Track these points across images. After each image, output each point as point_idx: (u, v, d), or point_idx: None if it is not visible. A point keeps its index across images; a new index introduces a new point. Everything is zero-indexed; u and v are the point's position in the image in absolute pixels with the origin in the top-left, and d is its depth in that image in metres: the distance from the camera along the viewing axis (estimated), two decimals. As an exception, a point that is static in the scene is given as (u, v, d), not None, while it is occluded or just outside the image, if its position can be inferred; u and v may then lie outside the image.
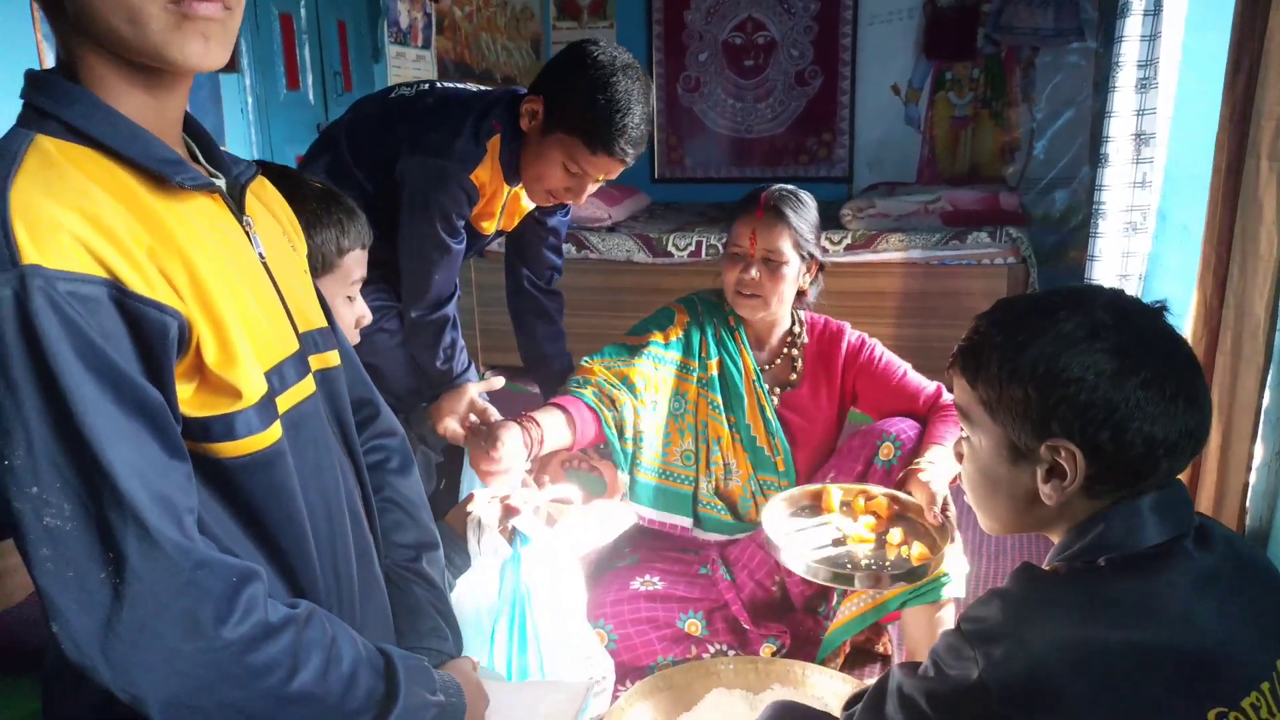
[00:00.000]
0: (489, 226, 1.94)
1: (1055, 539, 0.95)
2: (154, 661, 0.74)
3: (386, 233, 1.75)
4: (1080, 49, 4.41)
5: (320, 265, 1.27)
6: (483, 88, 1.93)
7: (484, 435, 1.58)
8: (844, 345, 1.92)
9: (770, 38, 4.91)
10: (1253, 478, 1.74)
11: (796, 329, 1.95)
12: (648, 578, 1.87)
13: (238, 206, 0.92)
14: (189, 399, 0.80)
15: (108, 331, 0.72)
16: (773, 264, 1.80)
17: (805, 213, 1.83)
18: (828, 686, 1.65)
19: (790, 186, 1.87)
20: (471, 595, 1.39)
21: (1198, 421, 0.87)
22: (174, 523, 0.75)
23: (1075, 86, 4.47)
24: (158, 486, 0.74)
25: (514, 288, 2.21)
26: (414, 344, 1.90)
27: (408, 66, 3.84)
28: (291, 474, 0.88)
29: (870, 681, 1.07)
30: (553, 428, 1.68)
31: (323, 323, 1.04)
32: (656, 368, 1.89)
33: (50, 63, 1.48)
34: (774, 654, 1.80)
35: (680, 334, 1.92)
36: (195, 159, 0.91)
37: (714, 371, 1.91)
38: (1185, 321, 1.91)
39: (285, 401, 0.90)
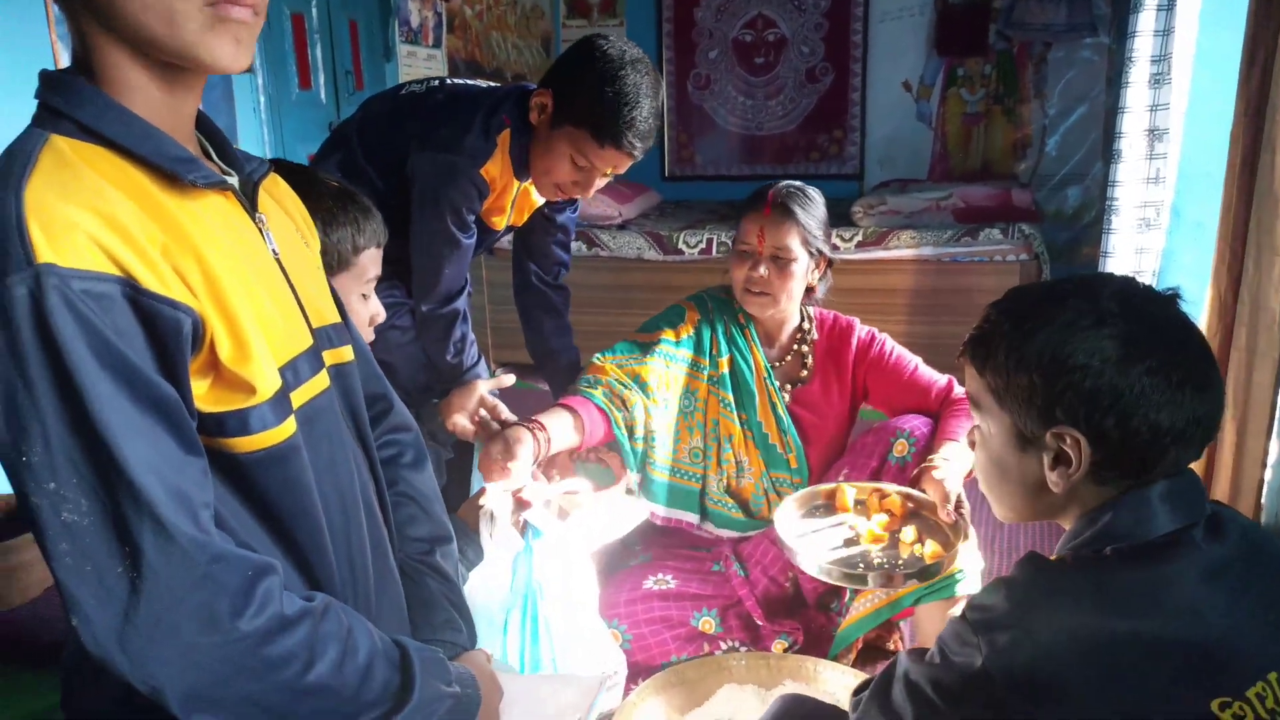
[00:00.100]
0: (500, 222, 1.94)
1: (1067, 526, 0.95)
2: (171, 654, 0.75)
3: (399, 230, 1.76)
4: (1093, 44, 4.39)
5: (335, 263, 1.28)
6: (492, 84, 1.93)
7: (497, 441, 1.57)
8: (854, 341, 1.91)
9: (781, 35, 4.90)
10: (1268, 474, 1.73)
11: (806, 325, 1.94)
12: (660, 576, 1.87)
13: (250, 204, 0.92)
14: (204, 394, 0.81)
15: (122, 329, 0.73)
16: (781, 261, 1.80)
17: (813, 209, 1.83)
18: (840, 682, 1.65)
19: (797, 183, 1.86)
20: (484, 588, 1.39)
21: (1206, 410, 0.86)
22: (190, 517, 0.75)
23: (1088, 82, 4.44)
24: (173, 482, 0.75)
25: (521, 283, 2.22)
26: (424, 338, 1.91)
27: (419, 65, 3.85)
28: (306, 468, 0.89)
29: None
30: (560, 431, 1.68)
31: (336, 318, 1.04)
32: (668, 366, 1.89)
33: (65, 62, 1.49)
34: (786, 650, 1.80)
35: (691, 331, 1.92)
36: (208, 157, 0.92)
37: (725, 369, 1.91)
38: (1200, 317, 1.90)
39: (300, 396, 0.90)
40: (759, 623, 1.82)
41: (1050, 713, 0.80)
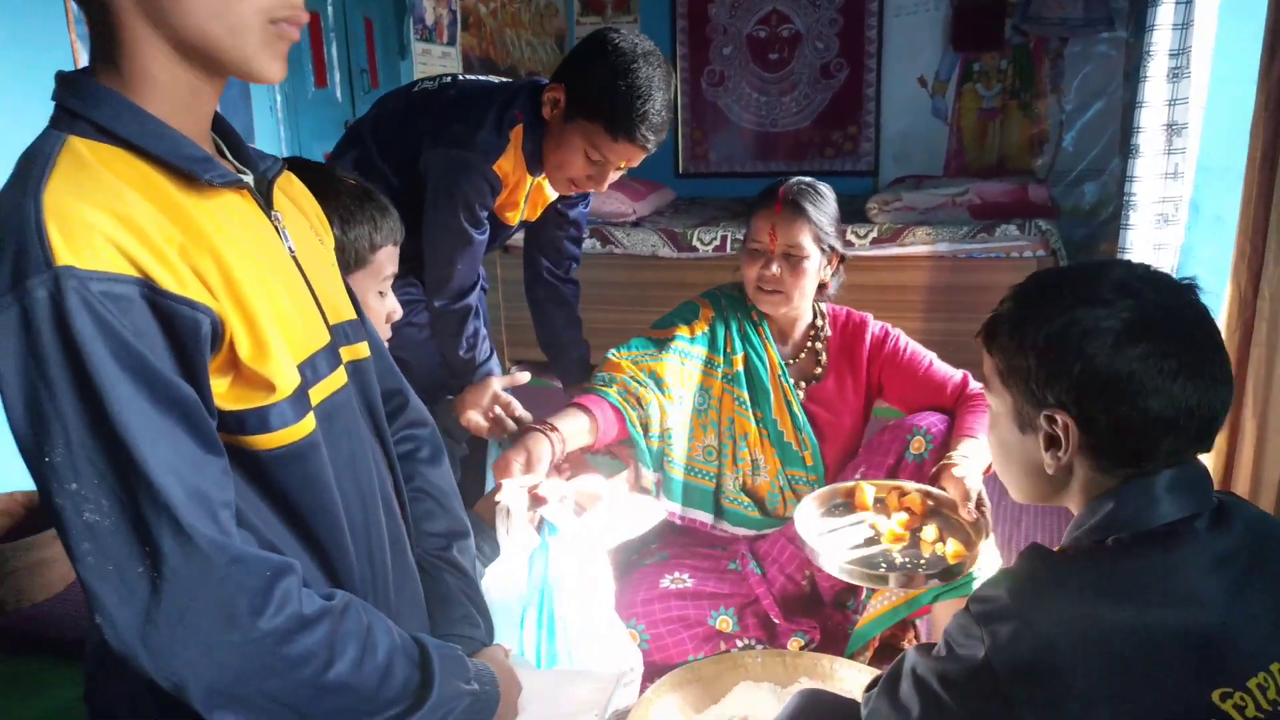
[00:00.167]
0: (513, 217, 1.95)
1: (1075, 513, 0.96)
2: (193, 652, 0.76)
3: (414, 227, 1.77)
4: (1110, 39, 4.35)
5: (353, 261, 1.28)
6: (505, 80, 1.94)
7: (519, 452, 1.57)
8: (868, 337, 1.91)
9: (795, 31, 4.88)
10: (1289, 471, 1.71)
11: (819, 322, 1.94)
12: (677, 575, 1.87)
13: (266, 202, 0.93)
14: (224, 393, 0.81)
15: (141, 330, 0.74)
16: (794, 259, 1.79)
17: (824, 205, 1.82)
18: (856, 680, 1.65)
19: (808, 179, 1.85)
20: (500, 584, 1.40)
21: (1203, 401, 0.86)
22: (209, 518, 0.76)
23: (1105, 77, 4.40)
24: (193, 482, 0.76)
25: (532, 277, 2.22)
26: (437, 333, 1.92)
27: (433, 63, 3.86)
28: (326, 464, 0.90)
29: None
30: (574, 433, 1.69)
31: (352, 315, 1.05)
32: (683, 363, 1.88)
33: (85, 62, 1.50)
34: (802, 649, 1.80)
35: (706, 328, 1.91)
36: (223, 156, 0.92)
37: (739, 367, 1.90)
38: (1219, 313, 1.89)
39: (318, 393, 0.91)
40: (776, 621, 1.82)
41: (1052, 703, 0.80)
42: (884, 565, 1.48)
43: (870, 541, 1.55)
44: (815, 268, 1.82)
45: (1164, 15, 2.46)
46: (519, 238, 2.21)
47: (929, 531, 1.54)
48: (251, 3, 0.79)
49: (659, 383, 1.84)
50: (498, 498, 1.45)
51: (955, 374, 1.86)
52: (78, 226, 0.72)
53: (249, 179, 0.91)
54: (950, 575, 1.47)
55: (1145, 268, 0.92)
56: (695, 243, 3.75)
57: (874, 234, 3.58)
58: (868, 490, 1.66)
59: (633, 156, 1.76)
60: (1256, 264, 1.78)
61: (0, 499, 2.33)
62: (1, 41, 2.30)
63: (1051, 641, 0.81)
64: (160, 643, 0.75)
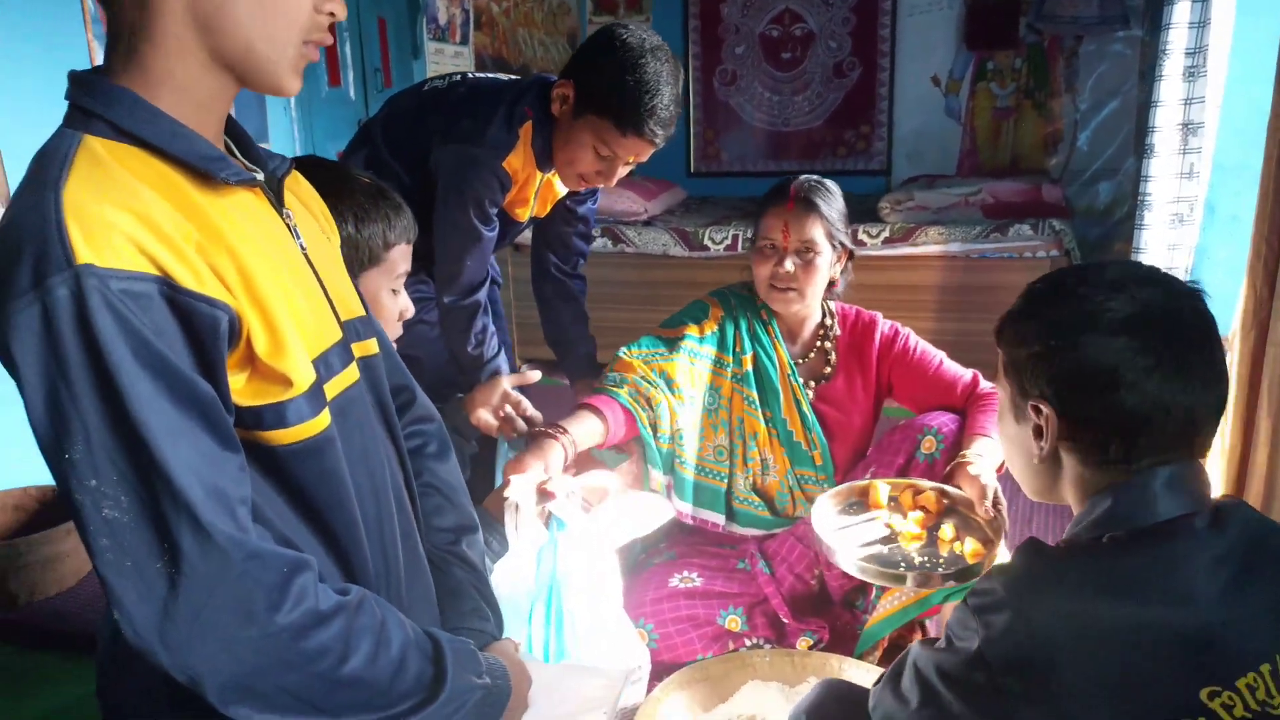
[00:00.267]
0: (523, 213, 1.96)
1: (1075, 509, 0.97)
2: (210, 647, 0.76)
3: (426, 225, 1.77)
4: (1125, 37, 4.32)
5: (367, 259, 1.29)
6: (514, 77, 1.95)
7: (536, 457, 1.58)
8: (877, 336, 1.90)
9: (808, 30, 4.87)
10: (1303, 473, 1.70)
11: (829, 321, 1.93)
12: (686, 574, 1.87)
13: (277, 200, 0.94)
14: (241, 389, 0.82)
15: (160, 327, 0.74)
16: (807, 255, 1.79)
17: (834, 201, 1.82)
18: (865, 680, 1.64)
19: (815, 176, 1.85)
20: (508, 580, 1.40)
21: (1180, 399, 0.86)
22: (227, 515, 0.77)
23: (1120, 76, 4.38)
24: (211, 479, 0.76)
25: (539, 273, 2.23)
26: (446, 329, 1.93)
27: (446, 63, 3.87)
28: (340, 459, 0.90)
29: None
30: (585, 436, 1.70)
31: (361, 311, 1.06)
32: (693, 362, 1.88)
33: (100, 61, 1.52)
34: (811, 648, 1.79)
35: (715, 328, 1.91)
36: (234, 155, 0.93)
37: (749, 366, 1.90)
38: (1234, 314, 1.87)
39: (332, 389, 0.92)
40: (785, 621, 1.82)
41: (1048, 698, 0.80)
42: (902, 564, 1.48)
43: (886, 540, 1.55)
44: (827, 264, 1.82)
45: (1180, 13, 2.44)
46: (529, 235, 2.21)
47: (946, 530, 1.54)
48: (295, 23, 0.82)
49: (670, 383, 1.84)
50: (506, 493, 1.46)
51: (965, 374, 1.85)
52: (97, 225, 0.72)
53: (260, 177, 0.92)
54: (968, 575, 1.45)
55: (1147, 268, 0.93)
56: (706, 242, 3.75)
57: (886, 233, 3.57)
58: (882, 489, 1.66)
59: (641, 151, 1.77)
60: (1272, 264, 1.76)
61: (13, 494, 2.35)
62: (18, 41, 2.32)
63: (1047, 635, 0.82)
64: (178, 638, 0.75)
